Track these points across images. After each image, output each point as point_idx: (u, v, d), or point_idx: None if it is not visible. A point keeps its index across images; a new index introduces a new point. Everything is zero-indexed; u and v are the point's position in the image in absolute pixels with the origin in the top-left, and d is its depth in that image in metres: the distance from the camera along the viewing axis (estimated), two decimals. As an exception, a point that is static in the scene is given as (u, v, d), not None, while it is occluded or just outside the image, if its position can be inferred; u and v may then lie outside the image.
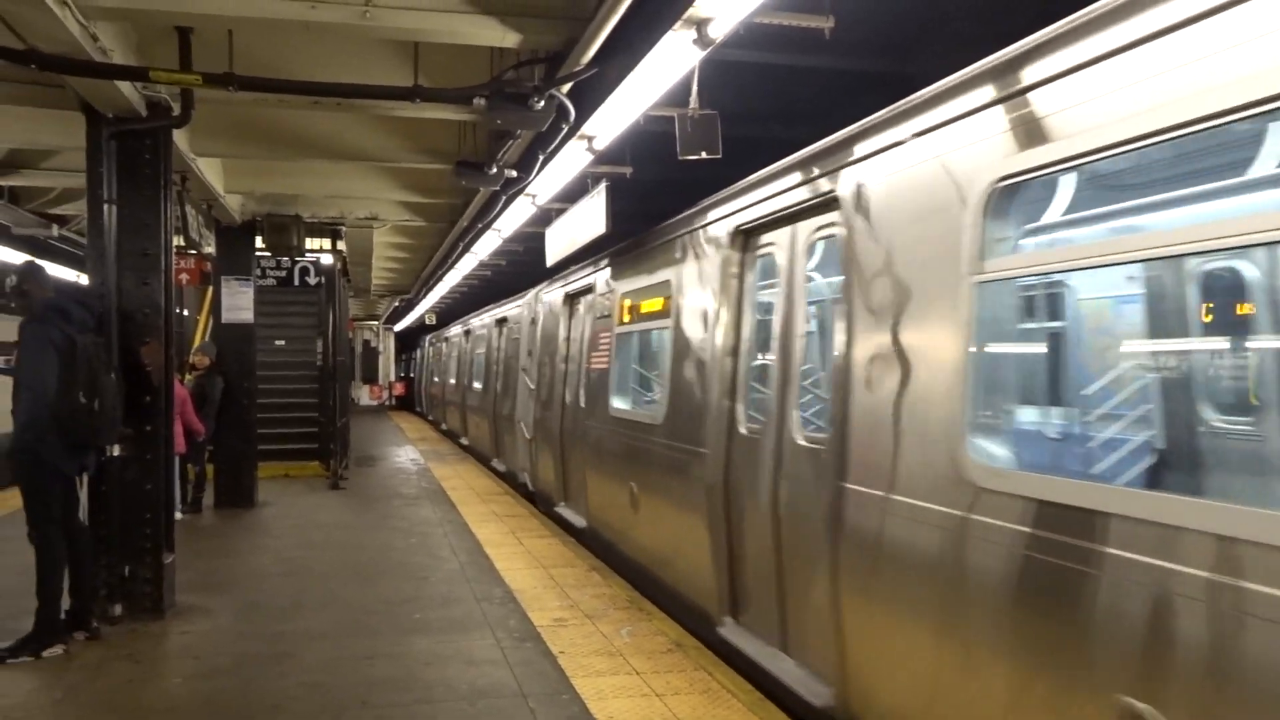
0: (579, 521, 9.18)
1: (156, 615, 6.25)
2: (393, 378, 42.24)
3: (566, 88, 5.95)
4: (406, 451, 18.91)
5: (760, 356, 5.60)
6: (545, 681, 5.06)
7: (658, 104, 5.97)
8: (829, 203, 4.59)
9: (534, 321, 11.99)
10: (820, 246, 5.01)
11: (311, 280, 13.84)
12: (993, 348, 3.53)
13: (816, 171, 4.74)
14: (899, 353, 3.84)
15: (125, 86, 5.94)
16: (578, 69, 5.59)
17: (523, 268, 16.84)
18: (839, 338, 4.31)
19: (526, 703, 4.76)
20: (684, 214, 6.73)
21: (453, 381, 21.92)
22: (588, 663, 5.36)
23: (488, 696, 4.85)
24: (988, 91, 3.41)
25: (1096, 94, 2.91)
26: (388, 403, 39.28)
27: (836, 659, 4.15)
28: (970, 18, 6.77)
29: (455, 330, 22.53)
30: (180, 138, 7.43)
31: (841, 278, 4.36)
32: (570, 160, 7.50)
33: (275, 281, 13.61)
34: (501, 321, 15.10)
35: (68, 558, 5.67)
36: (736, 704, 4.72)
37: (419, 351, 35.71)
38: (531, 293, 12.59)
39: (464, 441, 19.55)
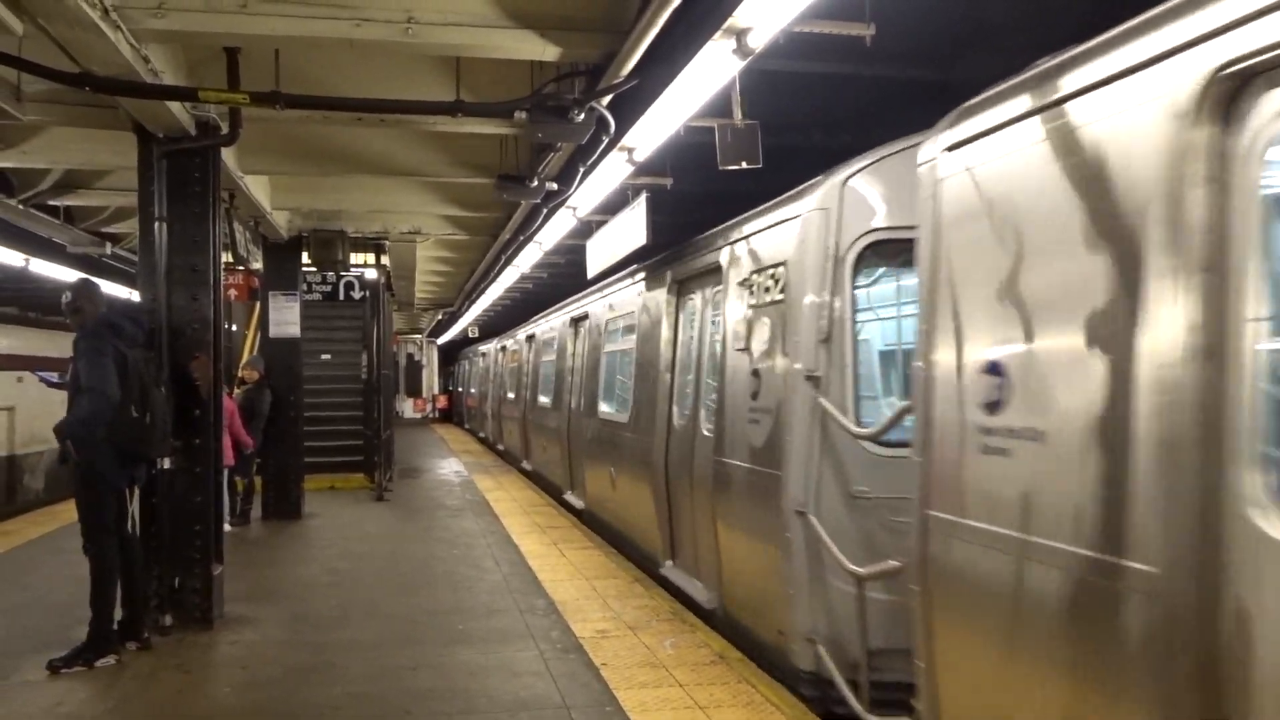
0: None
1: (205, 625, 6.33)
2: (436, 390, 42.59)
3: (606, 100, 5.97)
4: (450, 463, 19.03)
5: None
6: (588, 693, 5.05)
7: (698, 114, 5.98)
8: None
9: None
10: None
11: (356, 294, 14.00)
12: None
13: None
14: None
15: (175, 107, 6.07)
16: (617, 81, 5.60)
17: (564, 280, 16.92)
18: None
19: (569, 714, 4.75)
20: None
21: (544, 401, 14.57)
22: (631, 675, 5.34)
23: (530, 708, 4.85)
24: None
25: None
26: (431, 415, 39.62)
27: None
28: (1011, 26, 6.70)
29: (547, 325, 15.47)
30: (228, 155, 7.57)
31: None
32: (610, 172, 7.53)
33: (321, 296, 13.78)
34: (690, 285, 7.61)
35: (120, 569, 5.77)
36: (780, 717, 4.67)
37: (470, 363, 31.16)
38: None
39: (575, 501, 11.83)
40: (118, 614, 5.77)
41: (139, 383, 5.63)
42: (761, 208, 6.23)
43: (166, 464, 6.23)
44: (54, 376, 6.53)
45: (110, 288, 13.73)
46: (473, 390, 29.97)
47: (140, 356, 5.76)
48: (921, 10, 6.50)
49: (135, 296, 6.67)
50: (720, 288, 6.60)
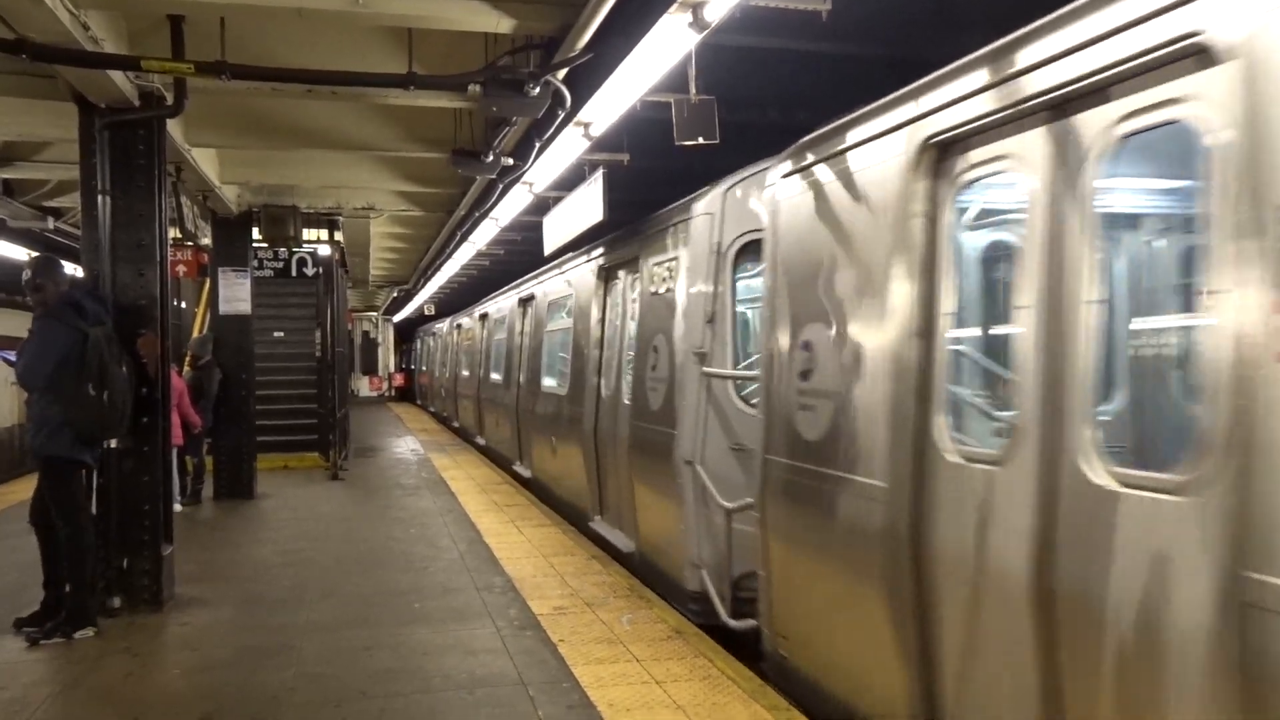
0: None
1: (155, 608, 6.23)
2: (392, 369, 42.22)
3: (562, 73, 5.91)
4: (407, 442, 18.89)
5: None
6: (545, 670, 5.05)
7: (654, 89, 5.93)
8: None
9: None
10: None
11: (309, 271, 13.76)
12: None
13: None
14: None
15: (117, 76, 5.89)
16: (573, 54, 5.54)
17: (521, 257, 16.80)
18: None
19: (526, 691, 4.74)
20: None
21: (551, 385, 10.72)
22: (588, 650, 5.34)
23: (487, 685, 4.83)
24: None
25: None
26: (387, 394, 39.30)
27: None
28: (965, 4, 6.72)
29: (557, 282, 10.93)
30: (175, 128, 7.38)
31: None
32: (567, 147, 7.46)
33: (272, 273, 13.53)
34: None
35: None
36: (736, 690, 4.70)
37: (433, 340, 28.10)
38: None
39: (616, 538, 8.01)
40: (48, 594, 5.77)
41: (98, 361, 5.60)
42: None
43: (114, 443, 6.11)
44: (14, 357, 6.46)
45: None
46: (437, 371, 26.92)
47: (102, 335, 5.71)
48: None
49: (79, 272, 6.53)
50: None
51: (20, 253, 14.21)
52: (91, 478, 5.94)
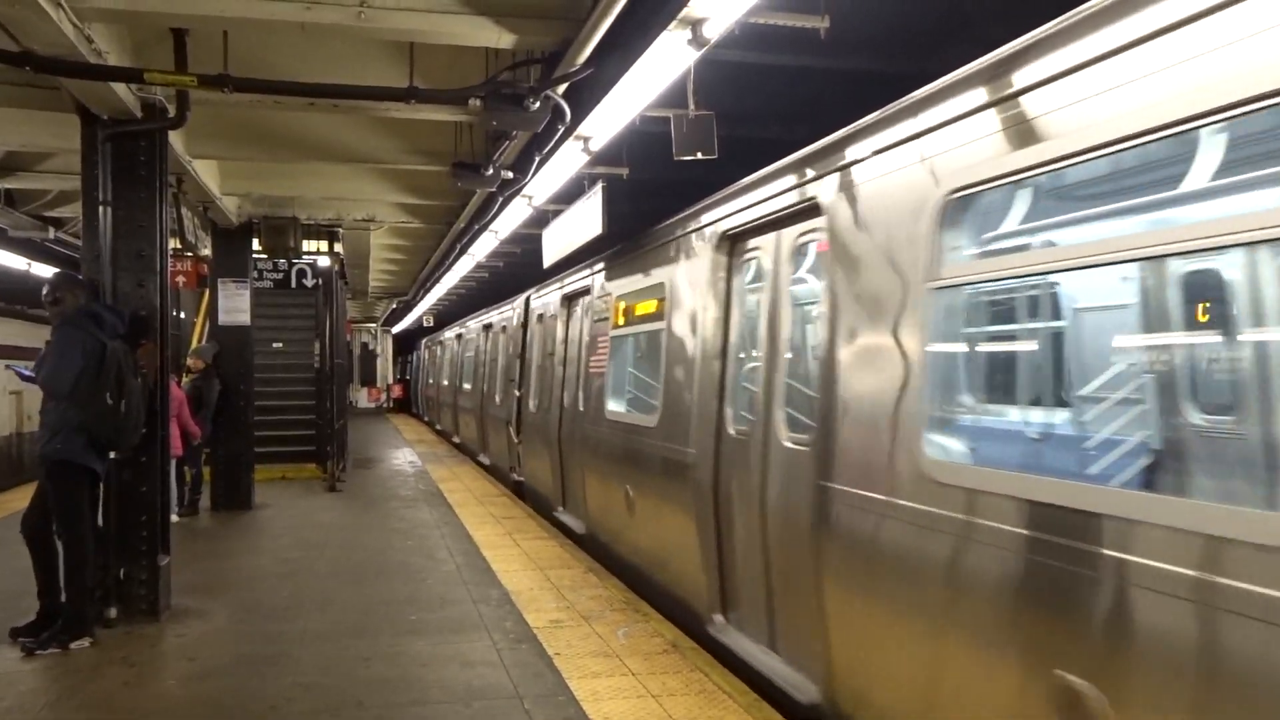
0: None
1: (152, 618, 6.23)
2: (391, 380, 42.22)
3: (562, 88, 5.94)
4: (404, 453, 18.88)
5: None
6: (541, 683, 5.05)
7: (654, 104, 5.96)
8: None
9: None
10: None
11: (309, 282, 13.81)
12: None
13: None
14: None
15: (120, 88, 5.93)
16: (573, 69, 5.58)
17: (520, 269, 16.84)
18: None
19: (522, 704, 4.74)
20: None
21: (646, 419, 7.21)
22: (584, 664, 5.35)
23: (484, 698, 4.84)
24: None
25: None
26: (386, 405, 39.28)
27: None
28: (965, 18, 6.78)
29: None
30: (176, 139, 7.42)
31: None
32: (566, 161, 7.50)
33: (272, 284, 13.60)
34: None
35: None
36: (732, 705, 4.71)
37: (436, 350, 26.54)
38: None
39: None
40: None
41: (116, 371, 5.68)
42: None
43: (112, 454, 6.13)
44: (26, 369, 6.44)
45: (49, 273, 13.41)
46: (432, 382, 26.48)
47: (120, 347, 5.79)
48: (877, 3, 6.54)
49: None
50: None
51: (20, 262, 14.28)
52: (97, 490, 5.95)
